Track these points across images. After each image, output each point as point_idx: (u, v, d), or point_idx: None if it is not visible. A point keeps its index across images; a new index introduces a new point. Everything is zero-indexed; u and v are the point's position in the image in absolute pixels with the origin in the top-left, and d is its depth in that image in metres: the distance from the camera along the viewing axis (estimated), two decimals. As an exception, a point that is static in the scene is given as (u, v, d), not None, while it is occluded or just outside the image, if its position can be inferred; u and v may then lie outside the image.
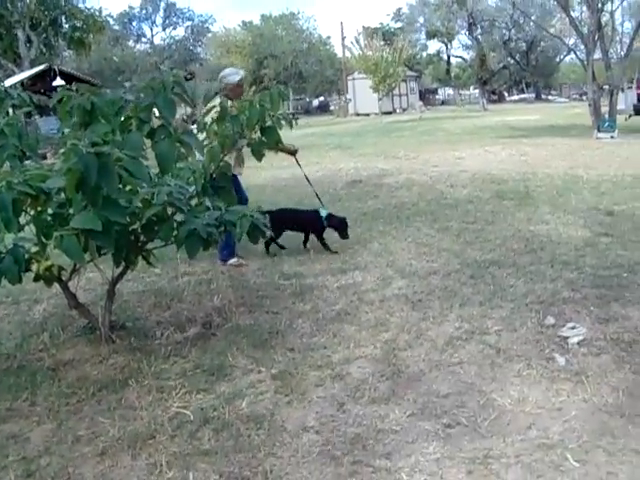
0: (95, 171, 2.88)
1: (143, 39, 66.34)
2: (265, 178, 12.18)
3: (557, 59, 67.35)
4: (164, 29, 66.63)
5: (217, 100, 5.90)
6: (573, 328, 4.42)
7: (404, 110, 48.78)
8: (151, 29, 66.22)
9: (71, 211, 3.22)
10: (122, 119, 3.59)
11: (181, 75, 3.76)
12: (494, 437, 3.14)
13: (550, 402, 3.45)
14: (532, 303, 4.89)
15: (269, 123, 4.49)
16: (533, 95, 65.57)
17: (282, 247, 6.85)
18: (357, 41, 42.61)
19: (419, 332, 4.43)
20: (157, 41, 65.37)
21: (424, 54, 71.50)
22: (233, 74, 6.32)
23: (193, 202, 4.07)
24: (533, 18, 49.02)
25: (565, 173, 11.39)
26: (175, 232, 3.93)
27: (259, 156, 4.49)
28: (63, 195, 3.30)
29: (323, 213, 6.60)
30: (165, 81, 3.58)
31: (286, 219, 6.74)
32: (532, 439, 3.10)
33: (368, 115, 41.72)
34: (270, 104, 4.42)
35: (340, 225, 6.69)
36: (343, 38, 48.13)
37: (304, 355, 4.14)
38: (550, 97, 66.00)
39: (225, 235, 4.62)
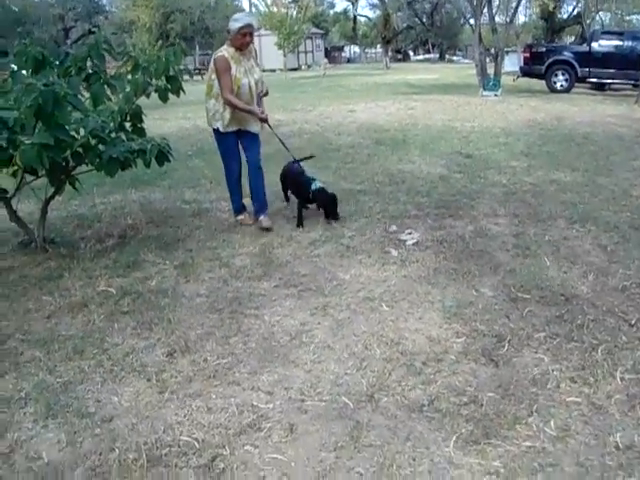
0: (51, 102, 4.06)
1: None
2: (170, 127, 13.17)
3: (461, 21, 69.20)
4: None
5: (221, 50, 5.73)
6: (410, 233, 5.82)
7: (309, 67, 49.80)
8: (53, -22, 64.14)
9: (21, 138, 4.34)
10: (64, 67, 4.79)
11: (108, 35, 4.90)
12: (333, 296, 4.49)
13: (378, 276, 4.84)
14: (383, 218, 6.28)
15: (173, 73, 5.62)
16: (437, 55, 67.34)
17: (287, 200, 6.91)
18: (264, -3, 43.17)
19: (290, 237, 5.75)
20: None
21: (331, 12, 72.24)
22: (234, 20, 5.67)
23: (113, 135, 5.19)
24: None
25: (443, 125, 12.88)
26: (98, 159, 5.06)
27: (164, 99, 5.61)
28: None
29: (314, 186, 6.10)
30: (97, 39, 4.76)
31: (287, 176, 6.66)
32: (360, 296, 4.48)
33: (274, 71, 42.48)
34: (174, 58, 5.55)
35: (326, 202, 6.18)
36: (250, -6, 48.47)
37: (199, 253, 5.41)
38: (455, 58, 67.89)
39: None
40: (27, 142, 4.10)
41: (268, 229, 5.96)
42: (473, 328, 3.94)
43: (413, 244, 5.56)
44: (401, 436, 2.90)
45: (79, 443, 2.94)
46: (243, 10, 55.63)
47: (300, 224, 6.07)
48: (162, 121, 13.70)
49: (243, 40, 5.64)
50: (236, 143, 6.01)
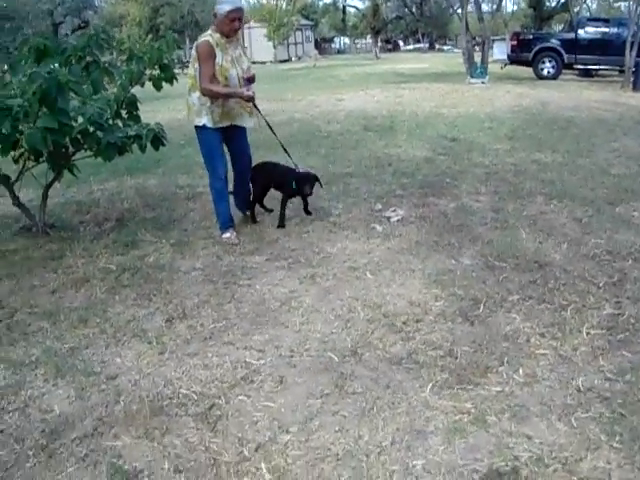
0: (55, 88, 4.35)
1: (33, -17, 63.73)
2: (162, 119, 13.34)
3: (450, 10, 69.17)
4: (56, -27, 64.25)
5: (205, 35, 5.16)
6: (394, 211, 6.09)
7: (299, 58, 50.05)
8: (42, -27, 63.82)
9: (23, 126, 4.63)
10: (65, 56, 5.07)
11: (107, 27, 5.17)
12: (320, 267, 4.77)
13: (363, 249, 5.12)
14: (369, 197, 6.56)
15: (166, 62, 5.86)
16: (427, 45, 67.53)
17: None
18: (253, -11, 43.45)
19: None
20: (48, -15, 63.07)
21: (320, 3, 72.34)
22: (221, 3, 5.02)
23: (110, 122, 5.44)
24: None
25: (430, 111, 13.17)
26: (96, 145, 5.31)
27: (158, 88, 5.86)
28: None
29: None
30: (97, 29, 5.05)
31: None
32: (345, 267, 4.76)
33: (264, 63, 42.69)
34: (166, 48, 5.79)
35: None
36: (239, -13, 48.44)
37: (194, 232, 5.68)
38: (445, 47, 68.10)
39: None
40: (32, 127, 4.37)
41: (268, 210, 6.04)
42: (451, 293, 4.22)
43: (397, 220, 5.83)
44: (382, 384, 3.18)
45: (87, 397, 3.20)
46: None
47: (282, 224, 5.74)
48: (154, 113, 13.87)
49: (232, 26, 5.04)
50: (222, 141, 5.38)
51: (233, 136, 5.46)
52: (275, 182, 5.89)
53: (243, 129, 5.51)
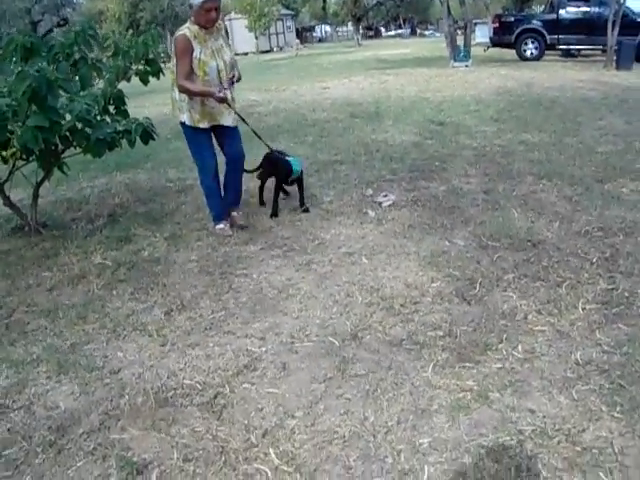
0: (45, 86, 4.34)
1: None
2: (148, 113, 13.26)
3: (430, -5, 69.11)
4: (31, -31, 63.52)
5: (183, 28, 4.91)
6: (385, 196, 6.11)
7: (281, 48, 49.95)
8: (17, -31, 63.03)
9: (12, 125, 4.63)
10: (53, 54, 5.06)
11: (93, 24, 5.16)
12: (316, 254, 4.80)
13: (357, 234, 5.15)
14: (360, 184, 6.58)
15: (152, 56, 5.85)
16: (409, 30, 67.48)
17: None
18: (233, -19, 43.25)
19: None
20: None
21: (300, -8, 71.96)
22: None
23: (98, 118, 5.43)
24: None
25: (415, 96, 13.18)
26: (85, 142, 5.30)
27: (145, 82, 5.85)
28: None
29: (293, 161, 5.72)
30: (83, 26, 5.04)
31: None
32: (340, 252, 4.79)
33: (246, 54, 42.57)
34: (152, 42, 5.78)
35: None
36: (219, -22, 48.24)
37: (187, 225, 5.69)
38: (426, 32, 68.06)
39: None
40: (23, 125, 4.37)
41: (242, 227, 5.50)
42: (447, 274, 4.25)
43: (389, 205, 5.86)
44: (384, 366, 3.21)
45: (91, 392, 3.21)
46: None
47: (275, 213, 5.72)
48: (140, 108, 13.76)
49: (208, 16, 4.73)
50: (210, 138, 5.25)
51: (221, 134, 5.30)
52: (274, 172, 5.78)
53: (233, 129, 5.29)
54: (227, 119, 5.16)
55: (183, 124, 5.12)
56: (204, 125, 5.09)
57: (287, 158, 5.73)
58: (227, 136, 5.29)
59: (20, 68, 4.47)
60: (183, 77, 4.80)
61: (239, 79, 5.28)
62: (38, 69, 4.37)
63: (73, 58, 5.29)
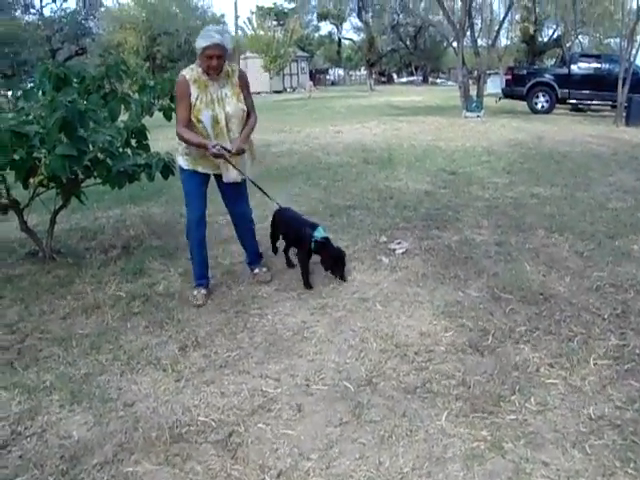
0: (76, 117, 4.44)
1: (31, 10, 63.85)
2: (161, 147, 13.41)
3: (444, 44, 70.04)
4: (54, 0, 64.40)
5: (187, 68, 4.60)
6: (399, 243, 6.16)
7: (294, 89, 50.54)
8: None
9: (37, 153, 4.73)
10: (84, 85, 5.19)
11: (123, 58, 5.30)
12: (330, 298, 4.83)
13: (371, 280, 5.18)
14: (373, 230, 6.63)
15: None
16: (421, 78, 68.30)
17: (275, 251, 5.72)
18: (250, 21, 43.97)
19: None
20: (47, 13, 63.19)
21: (316, 35, 73.10)
22: (200, 36, 4.38)
23: (120, 150, 5.52)
24: (422, 5, 51.08)
25: (427, 144, 13.31)
26: (106, 173, 5.38)
27: (169, 117, 5.95)
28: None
29: (318, 233, 4.99)
30: (116, 60, 5.17)
31: (282, 222, 5.42)
32: (355, 297, 4.82)
33: (259, 94, 43.01)
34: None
35: (330, 258, 5.06)
36: (237, 17, 49.47)
37: (202, 261, 5.71)
38: (438, 80, 68.90)
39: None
40: (52, 153, 4.46)
41: (267, 281, 5.22)
42: (460, 324, 4.29)
43: (402, 253, 5.89)
44: (398, 413, 3.23)
45: (105, 424, 3.23)
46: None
47: (307, 284, 5.08)
48: (153, 142, 13.96)
49: (209, 63, 4.38)
50: (202, 185, 4.83)
51: (224, 189, 4.96)
52: (290, 236, 5.32)
53: (237, 185, 4.86)
54: (227, 175, 4.73)
55: (180, 167, 4.85)
56: (199, 170, 4.73)
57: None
58: (230, 192, 4.96)
59: (51, 97, 4.58)
60: (181, 123, 4.50)
61: (252, 128, 4.81)
62: (71, 100, 4.48)
63: (104, 90, 5.42)
